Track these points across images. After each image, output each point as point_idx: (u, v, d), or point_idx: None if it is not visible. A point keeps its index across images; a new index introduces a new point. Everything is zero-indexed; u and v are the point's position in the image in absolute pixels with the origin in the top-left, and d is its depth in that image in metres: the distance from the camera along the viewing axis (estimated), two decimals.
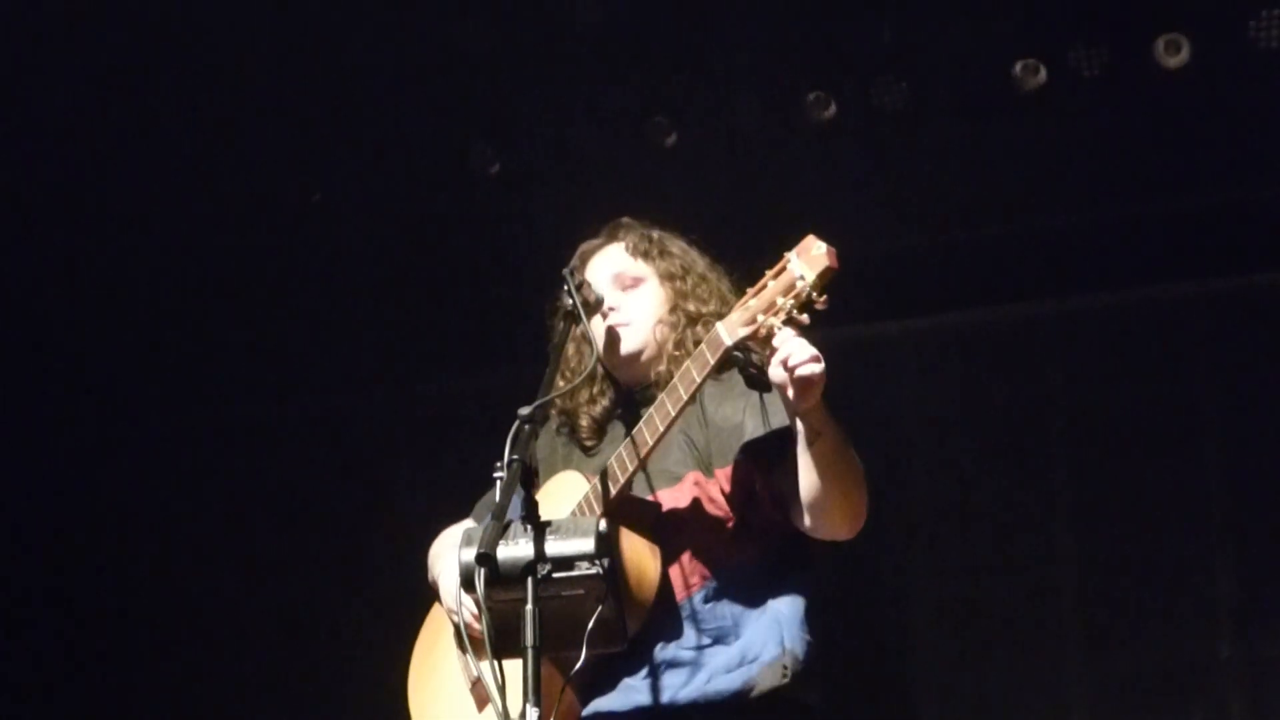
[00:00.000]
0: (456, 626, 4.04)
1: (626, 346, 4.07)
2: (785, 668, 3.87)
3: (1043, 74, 6.26)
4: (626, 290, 4.11)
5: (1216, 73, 6.12)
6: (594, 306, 4.00)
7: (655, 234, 4.20)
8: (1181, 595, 6.35)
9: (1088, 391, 6.58)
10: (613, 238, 4.20)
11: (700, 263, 4.16)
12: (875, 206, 6.49)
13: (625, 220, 4.23)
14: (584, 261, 4.19)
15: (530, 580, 3.42)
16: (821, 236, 3.63)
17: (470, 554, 3.41)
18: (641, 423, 3.84)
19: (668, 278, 4.12)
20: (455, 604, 3.99)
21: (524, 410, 3.55)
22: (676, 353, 3.99)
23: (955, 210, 6.61)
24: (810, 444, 3.69)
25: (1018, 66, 6.27)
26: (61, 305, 7.05)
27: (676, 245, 4.19)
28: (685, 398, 3.78)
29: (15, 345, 7.07)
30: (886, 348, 6.77)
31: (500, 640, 3.40)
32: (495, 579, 3.40)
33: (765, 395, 3.93)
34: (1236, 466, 6.39)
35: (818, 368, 3.58)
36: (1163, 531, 6.38)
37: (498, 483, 3.47)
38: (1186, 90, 6.16)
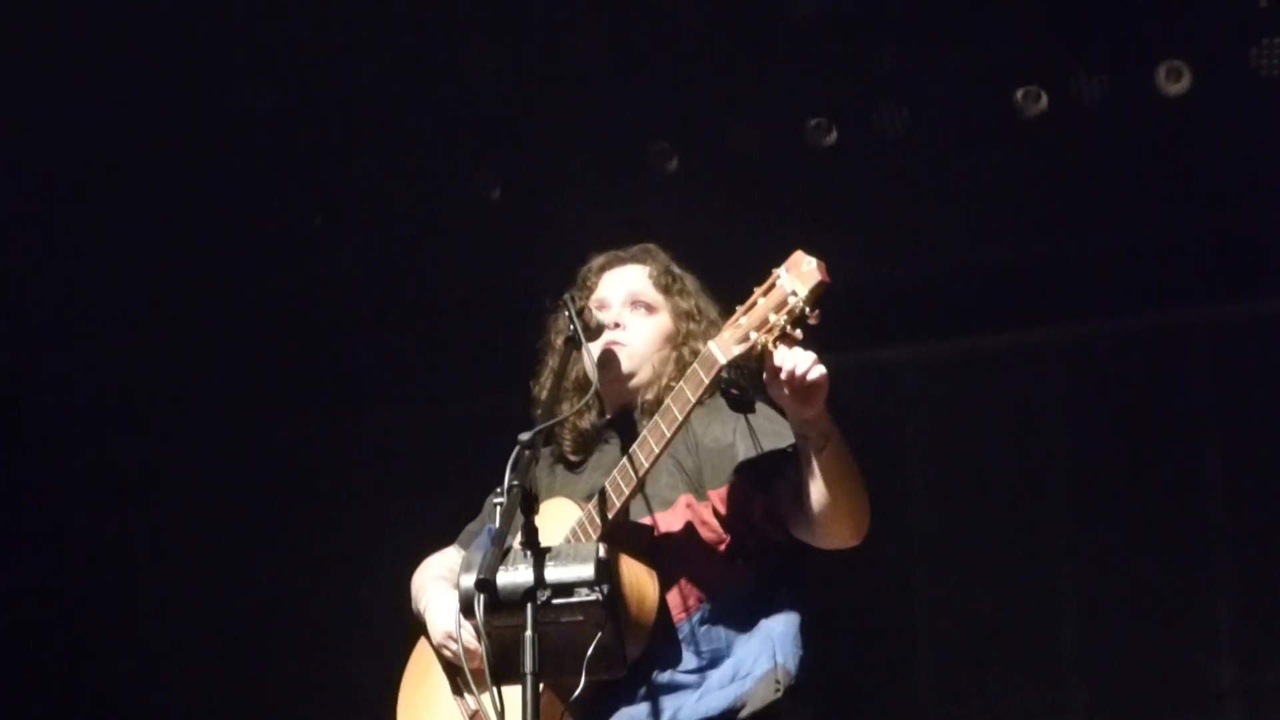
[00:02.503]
0: (447, 661, 4.04)
1: (621, 366, 4.07)
2: (778, 682, 3.86)
3: (1044, 101, 6.26)
4: (636, 312, 4.12)
5: (1217, 100, 6.13)
6: (594, 332, 4.00)
7: (678, 270, 4.21)
8: (1182, 624, 6.34)
9: (1088, 418, 6.58)
10: (638, 259, 4.22)
11: (712, 310, 4.16)
12: (876, 232, 6.49)
13: (653, 247, 4.25)
14: (600, 271, 4.21)
15: (530, 606, 3.41)
16: (816, 256, 3.64)
17: (470, 579, 3.41)
18: (635, 445, 3.83)
19: (682, 316, 4.13)
20: (443, 638, 4.00)
21: (524, 435, 3.54)
22: (672, 385, 3.99)
23: (956, 236, 6.61)
24: (819, 450, 3.69)
25: (1019, 93, 6.28)
26: (59, 323, 7.07)
27: (694, 288, 4.20)
28: (680, 418, 3.77)
29: (18, 362, 7.10)
30: (888, 373, 6.77)
31: (500, 667, 3.39)
32: (495, 605, 3.39)
33: (751, 416, 3.94)
34: (1238, 494, 6.39)
35: (821, 371, 3.60)
36: (1163, 560, 6.38)
37: (494, 508, 3.47)
38: (1188, 117, 6.16)
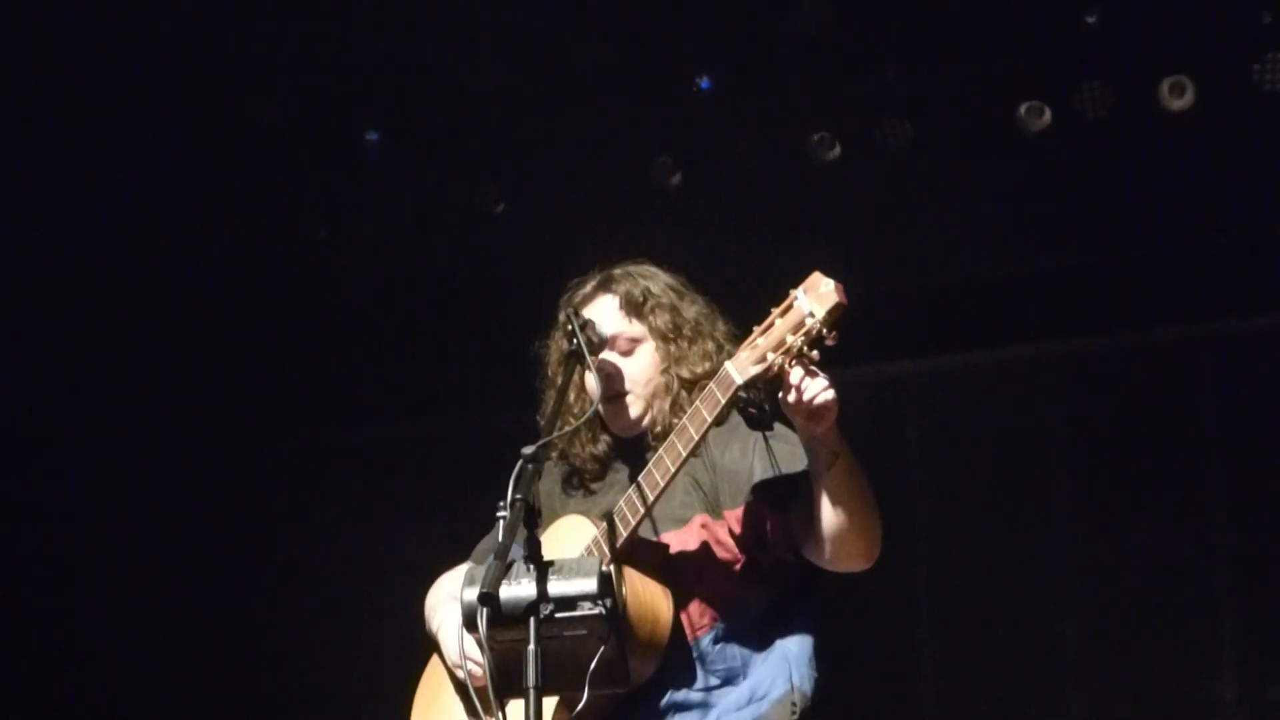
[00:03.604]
0: (460, 681, 4.02)
1: (631, 415, 4.06)
2: (794, 704, 3.86)
3: (1048, 115, 6.27)
4: (624, 355, 4.08)
5: (1221, 115, 6.13)
6: (597, 347, 3.99)
7: (644, 283, 4.12)
8: (1186, 638, 6.33)
9: (1091, 434, 6.57)
10: (604, 288, 4.13)
11: (691, 309, 4.11)
12: (879, 247, 6.49)
13: (616, 271, 4.16)
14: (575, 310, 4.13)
15: (533, 620, 3.40)
16: (820, 271, 3.64)
17: (473, 593, 3.40)
18: (651, 464, 3.83)
19: (661, 338, 4.07)
20: (458, 656, 3.99)
21: (527, 450, 3.53)
22: (672, 415, 3.97)
23: (960, 250, 6.61)
24: (828, 467, 3.70)
25: (1023, 108, 6.28)
26: (61, 334, 7.07)
27: (668, 294, 4.12)
28: (696, 437, 3.77)
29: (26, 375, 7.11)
30: (892, 387, 6.76)
31: (503, 681, 3.39)
32: (498, 619, 3.38)
33: (770, 436, 3.93)
34: (1241, 508, 6.38)
35: (831, 395, 3.62)
36: (1166, 574, 6.37)
37: (499, 523, 3.45)
38: (1191, 132, 6.16)
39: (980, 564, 6.58)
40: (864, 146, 6.44)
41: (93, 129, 6.57)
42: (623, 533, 3.82)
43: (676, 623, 3.84)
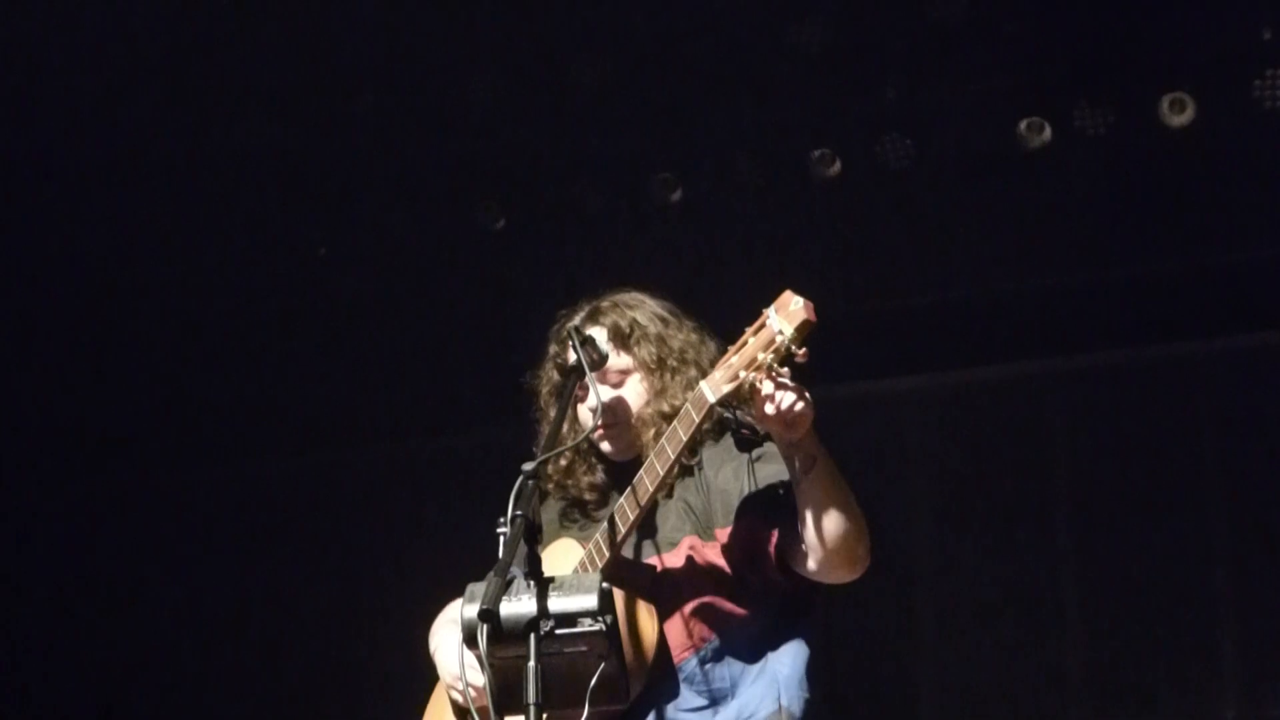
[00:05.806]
0: (454, 702, 4.03)
1: (617, 448, 4.06)
2: None
3: (1047, 132, 6.27)
4: (614, 387, 4.07)
5: (1221, 132, 6.14)
6: (598, 364, 3.99)
7: (631, 314, 4.12)
8: (1187, 659, 6.32)
9: (1092, 452, 6.57)
10: (592, 320, 4.12)
11: (677, 338, 4.10)
12: (880, 263, 6.50)
13: (603, 303, 4.15)
14: (563, 346, 4.13)
15: (533, 637, 3.40)
16: (800, 291, 3.65)
17: (473, 610, 3.40)
18: (632, 484, 3.84)
19: (646, 370, 4.07)
20: (452, 680, 3.99)
21: (528, 465, 3.54)
22: (656, 445, 3.98)
23: (960, 267, 6.61)
24: (807, 472, 3.71)
25: (1023, 125, 6.28)
26: (71, 353, 7.08)
27: (655, 324, 4.12)
28: (673, 457, 3.79)
29: (35, 397, 7.12)
30: (893, 403, 6.76)
31: (503, 698, 3.38)
32: (498, 635, 3.38)
33: (761, 456, 3.94)
34: (1241, 527, 6.37)
35: (804, 404, 3.65)
36: (1167, 592, 6.36)
37: (501, 538, 3.46)
38: (1191, 149, 6.17)
39: (980, 580, 6.57)
40: (865, 163, 6.44)
41: (91, 142, 6.57)
42: (607, 554, 3.83)
43: (663, 643, 3.84)
